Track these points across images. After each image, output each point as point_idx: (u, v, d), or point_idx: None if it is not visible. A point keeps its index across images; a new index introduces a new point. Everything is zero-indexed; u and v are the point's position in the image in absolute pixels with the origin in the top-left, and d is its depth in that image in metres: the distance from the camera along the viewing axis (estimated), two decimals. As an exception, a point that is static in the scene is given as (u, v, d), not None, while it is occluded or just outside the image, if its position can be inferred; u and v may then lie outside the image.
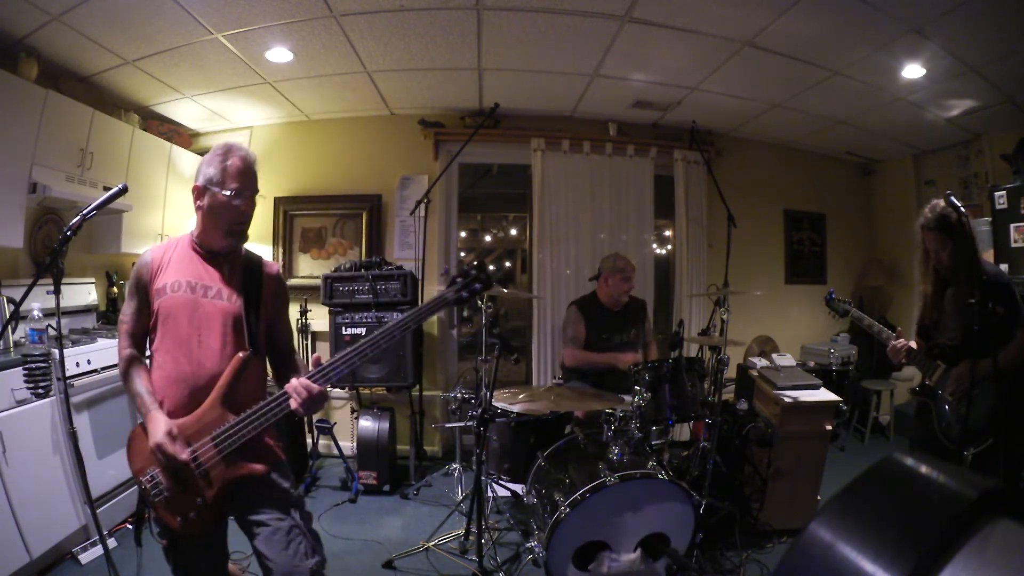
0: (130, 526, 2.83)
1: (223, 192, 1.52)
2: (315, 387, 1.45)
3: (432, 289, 4.04)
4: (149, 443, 1.44)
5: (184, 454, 1.43)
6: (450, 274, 1.63)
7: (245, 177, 1.55)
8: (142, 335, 1.60)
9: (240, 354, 1.52)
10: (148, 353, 1.61)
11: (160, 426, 1.44)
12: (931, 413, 2.20)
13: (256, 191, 1.60)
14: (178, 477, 1.47)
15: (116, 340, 2.90)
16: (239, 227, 1.58)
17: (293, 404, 1.44)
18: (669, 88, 3.75)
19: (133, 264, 3.91)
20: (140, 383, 1.53)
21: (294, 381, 1.45)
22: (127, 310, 1.60)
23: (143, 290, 1.58)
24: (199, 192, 1.56)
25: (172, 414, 1.49)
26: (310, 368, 1.50)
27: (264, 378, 1.67)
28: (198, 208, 1.58)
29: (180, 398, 1.50)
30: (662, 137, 4.44)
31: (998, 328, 1.94)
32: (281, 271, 1.82)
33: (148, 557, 2.56)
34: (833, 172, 5.17)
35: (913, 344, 2.27)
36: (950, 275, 2.13)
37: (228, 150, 1.56)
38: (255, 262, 1.69)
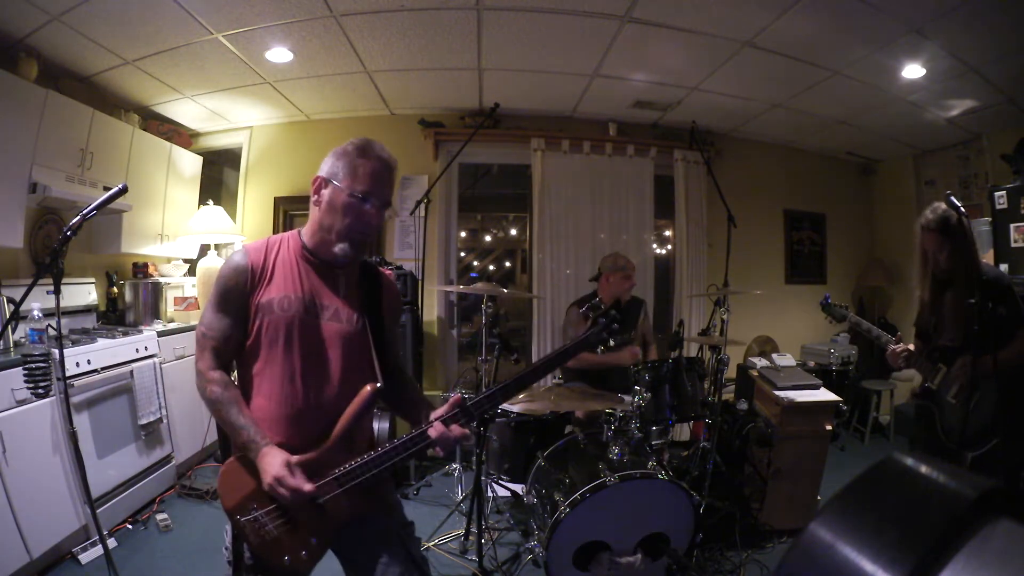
0: (130, 526, 2.83)
1: (350, 193, 1.31)
2: (464, 431, 1.29)
3: (432, 289, 4.05)
4: (264, 477, 1.23)
5: (308, 485, 1.23)
6: (588, 314, 1.51)
7: (380, 183, 1.33)
8: (232, 355, 1.36)
9: (368, 387, 1.30)
10: (241, 380, 1.39)
11: (277, 459, 1.23)
12: (933, 416, 2.18)
13: (389, 202, 1.37)
14: (290, 516, 1.29)
15: (117, 340, 2.96)
16: (361, 236, 1.34)
17: (433, 434, 1.27)
18: (669, 88, 3.75)
19: (134, 263, 3.88)
20: (238, 413, 1.29)
21: (439, 425, 1.27)
22: (215, 324, 1.33)
23: (240, 302, 1.32)
24: (320, 184, 1.35)
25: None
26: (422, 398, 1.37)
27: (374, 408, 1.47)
28: (315, 203, 1.36)
29: (291, 437, 1.30)
30: (662, 137, 4.44)
31: (999, 328, 1.93)
32: (395, 281, 1.59)
33: (149, 557, 2.56)
34: (833, 172, 5.17)
35: (911, 347, 2.27)
36: (949, 277, 2.12)
37: (367, 146, 1.34)
38: (371, 273, 1.46)
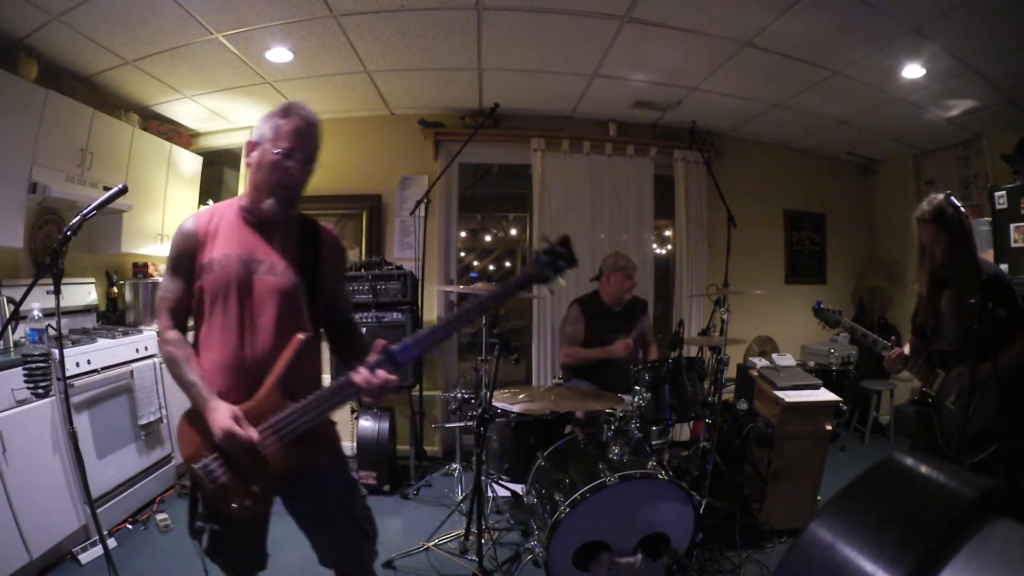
0: (130, 526, 2.83)
1: (273, 150, 1.41)
2: (390, 377, 1.32)
3: (432, 289, 4.05)
4: (214, 430, 1.33)
5: (254, 433, 1.33)
6: (532, 252, 1.51)
7: (300, 138, 1.42)
8: (185, 313, 1.47)
9: (299, 336, 1.39)
10: (190, 334, 1.50)
11: (224, 412, 1.33)
12: (932, 422, 2.16)
13: (313, 156, 1.46)
14: (237, 464, 1.38)
15: (117, 340, 2.96)
16: (286, 192, 1.43)
17: (358, 380, 1.31)
18: (669, 88, 3.75)
19: (133, 263, 3.89)
20: (192, 371, 1.39)
21: (363, 370, 1.31)
22: (169, 286, 1.45)
23: (187, 263, 1.44)
24: (250, 147, 1.46)
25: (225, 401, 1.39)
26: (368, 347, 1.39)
27: (320, 359, 1.56)
28: (248, 165, 1.47)
29: (232, 385, 1.40)
30: (662, 137, 4.44)
31: (999, 330, 1.89)
32: (339, 235, 1.67)
33: (149, 557, 2.56)
34: (833, 172, 5.17)
35: (906, 349, 2.24)
36: (945, 272, 2.07)
37: (288, 108, 1.43)
38: (311, 229, 1.55)
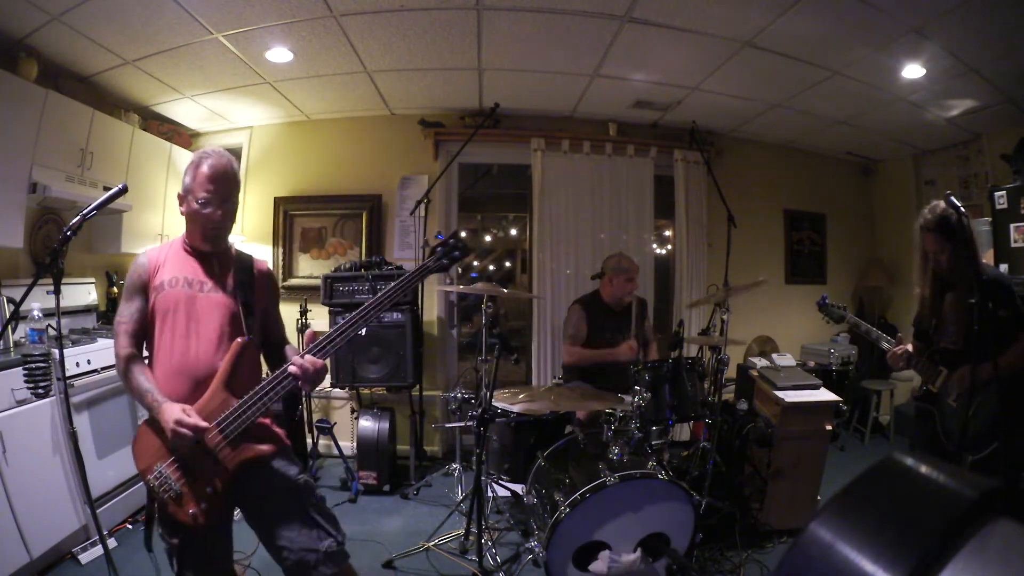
0: (130, 526, 2.83)
1: (195, 200, 1.60)
2: (317, 361, 1.51)
3: (432, 289, 4.05)
4: (165, 426, 1.44)
5: (203, 422, 1.45)
6: (430, 245, 1.75)
7: (215, 184, 1.59)
8: (141, 335, 1.62)
9: (239, 339, 1.58)
10: (147, 354, 1.64)
11: (174, 408, 1.46)
12: (934, 419, 2.16)
13: (227, 196, 1.63)
14: (188, 468, 1.49)
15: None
16: (214, 232, 1.64)
17: (293, 369, 1.49)
18: (669, 88, 3.75)
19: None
20: (144, 379, 1.54)
21: (296, 358, 1.50)
22: (125, 311, 1.62)
23: (142, 289, 1.62)
24: (180, 199, 1.66)
25: None
26: (298, 353, 1.57)
27: (260, 367, 1.72)
28: (182, 213, 1.67)
29: (182, 389, 1.53)
30: (662, 137, 4.44)
31: (1000, 331, 1.90)
32: (272, 269, 1.88)
33: (148, 559, 2.56)
34: (833, 172, 5.17)
35: (910, 347, 2.25)
36: (949, 277, 2.10)
37: (201, 158, 1.62)
38: (245, 260, 1.76)
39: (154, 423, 1.50)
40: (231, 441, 1.50)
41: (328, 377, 1.59)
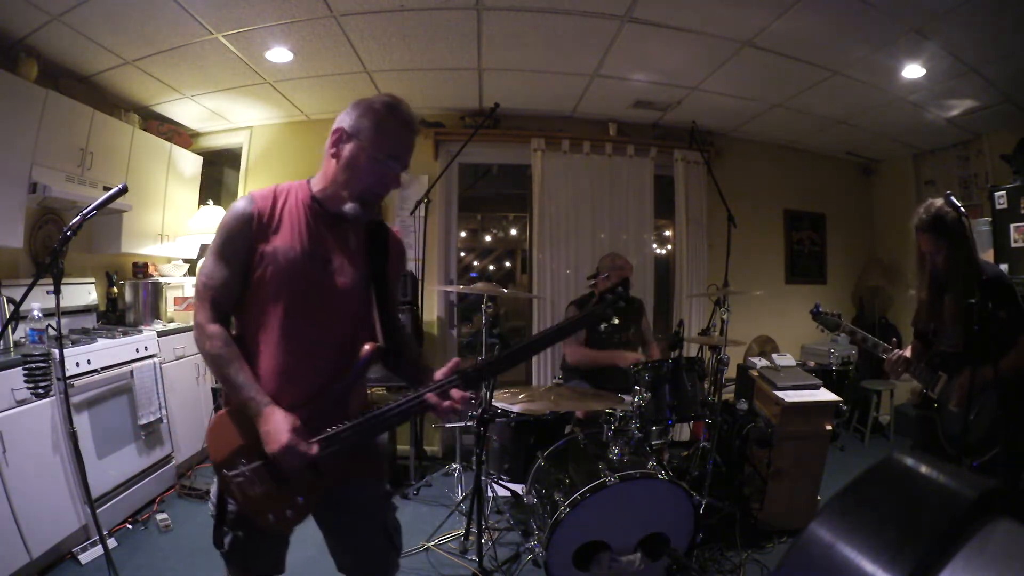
0: (130, 526, 2.82)
1: (375, 154, 1.27)
2: (466, 394, 1.24)
3: (432, 289, 4.04)
4: (269, 443, 1.20)
5: (315, 448, 1.21)
6: (596, 295, 1.55)
7: (406, 146, 1.32)
8: (231, 307, 1.30)
9: (368, 346, 1.27)
10: (236, 331, 1.34)
11: (283, 424, 1.19)
12: (935, 425, 2.14)
13: (407, 166, 1.35)
14: (281, 476, 1.25)
15: (117, 340, 2.96)
16: (377, 197, 1.32)
17: (445, 405, 1.23)
18: (669, 88, 3.75)
19: (133, 263, 3.87)
20: (242, 373, 1.24)
21: (444, 399, 1.23)
22: (215, 273, 1.27)
23: (242, 250, 1.26)
24: (342, 137, 1.30)
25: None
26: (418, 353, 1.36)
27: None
28: (332, 155, 1.31)
29: (288, 393, 1.26)
30: (662, 137, 4.44)
31: (1000, 332, 1.87)
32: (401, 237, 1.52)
33: (149, 557, 2.56)
34: (833, 172, 5.17)
35: (908, 352, 2.23)
36: (947, 278, 2.07)
37: (396, 108, 1.30)
38: (379, 228, 1.42)
39: (240, 418, 1.26)
40: (336, 456, 1.26)
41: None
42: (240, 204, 1.30)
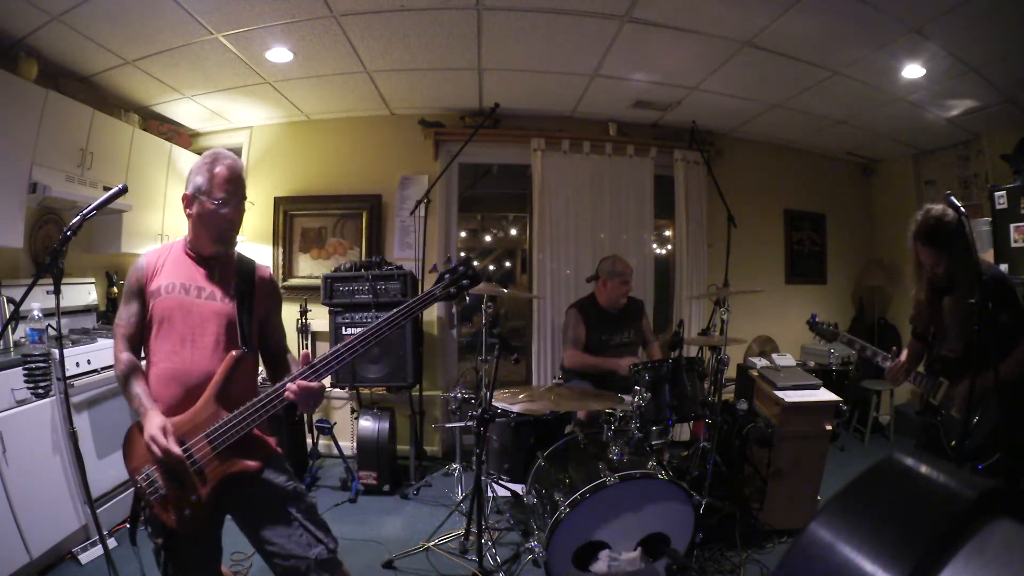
0: (130, 526, 2.83)
1: (211, 201, 1.57)
2: (312, 384, 1.48)
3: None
4: (146, 436, 1.45)
5: (176, 448, 1.44)
6: (438, 271, 1.65)
7: (232, 185, 1.59)
8: (138, 339, 1.62)
9: (233, 352, 1.55)
10: (143, 356, 1.64)
11: (155, 421, 1.45)
12: (938, 431, 2.13)
13: (243, 198, 1.63)
14: (173, 474, 1.49)
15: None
16: (228, 234, 1.63)
17: (288, 395, 1.47)
18: (669, 88, 3.75)
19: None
20: (137, 384, 1.55)
21: (291, 384, 1.47)
22: (123, 314, 1.61)
23: (139, 293, 1.61)
24: (188, 200, 1.61)
25: (168, 413, 1.51)
26: (297, 366, 1.55)
27: (256, 376, 1.71)
28: (188, 216, 1.63)
29: (175, 397, 1.53)
30: (662, 137, 4.44)
31: (1001, 336, 1.85)
32: (273, 275, 1.83)
33: (149, 557, 2.56)
34: (833, 172, 5.17)
35: (904, 355, 2.21)
36: (947, 283, 2.04)
37: (215, 158, 1.60)
38: (247, 265, 1.73)
39: (142, 426, 1.52)
40: (219, 453, 1.49)
41: (328, 378, 1.53)
42: (138, 260, 1.65)
